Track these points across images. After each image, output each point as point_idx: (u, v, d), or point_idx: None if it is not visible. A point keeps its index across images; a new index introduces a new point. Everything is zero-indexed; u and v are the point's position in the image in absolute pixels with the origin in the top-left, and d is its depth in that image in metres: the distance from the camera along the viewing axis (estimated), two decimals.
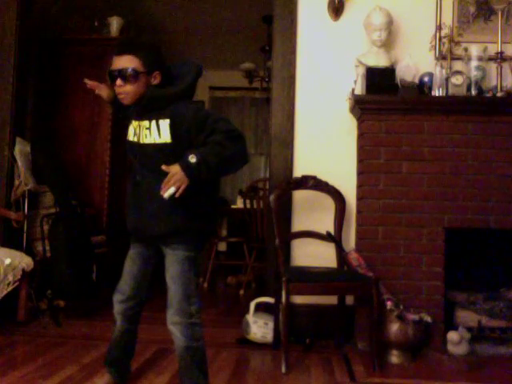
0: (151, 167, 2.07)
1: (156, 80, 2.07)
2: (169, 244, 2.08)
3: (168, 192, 1.88)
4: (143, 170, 2.11)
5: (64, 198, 3.77)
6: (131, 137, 2.15)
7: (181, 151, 1.97)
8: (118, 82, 2.02)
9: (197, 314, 2.04)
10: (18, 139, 3.67)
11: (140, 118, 2.09)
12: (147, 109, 2.06)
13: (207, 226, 2.14)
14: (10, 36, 3.61)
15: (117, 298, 2.23)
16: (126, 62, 2.02)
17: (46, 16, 4.58)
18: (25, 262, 3.27)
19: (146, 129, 2.06)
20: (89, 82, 2.38)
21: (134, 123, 2.13)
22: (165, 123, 2.03)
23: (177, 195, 1.88)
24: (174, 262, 2.06)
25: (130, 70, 2.01)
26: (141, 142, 2.09)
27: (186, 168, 1.87)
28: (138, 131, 2.11)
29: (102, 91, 2.41)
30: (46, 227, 3.63)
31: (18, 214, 3.57)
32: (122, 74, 2.01)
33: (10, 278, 3.15)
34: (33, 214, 3.72)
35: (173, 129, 2.02)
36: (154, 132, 2.04)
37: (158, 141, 2.03)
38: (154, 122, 2.05)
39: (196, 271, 2.08)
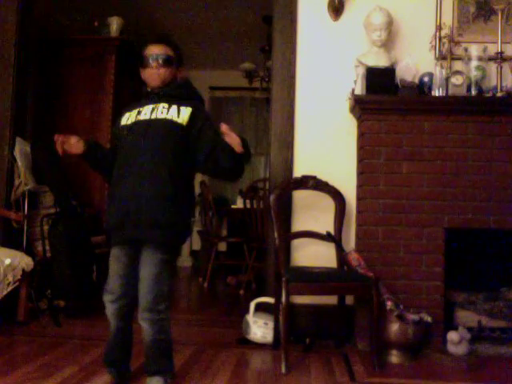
0: (159, 139, 2.19)
1: (181, 74, 2.35)
2: (150, 241, 2.16)
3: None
4: (146, 148, 2.18)
5: (64, 198, 3.78)
6: (129, 120, 2.27)
7: (187, 135, 2.21)
8: (155, 64, 2.26)
9: (165, 310, 2.18)
10: (17, 139, 3.66)
11: (157, 101, 2.27)
12: (175, 93, 2.28)
13: (190, 221, 2.30)
14: (10, 36, 3.61)
15: (107, 298, 2.25)
16: (163, 50, 2.29)
17: (46, 16, 4.58)
18: (25, 261, 3.27)
19: (164, 108, 2.24)
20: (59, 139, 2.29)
21: (142, 107, 2.27)
22: (187, 110, 2.24)
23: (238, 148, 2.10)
24: (150, 264, 2.16)
25: (167, 55, 2.29)
26: (152, 117, 2.23)
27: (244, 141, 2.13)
28: (146, 111, 2.25)
29: (78, 145, 2.31)
30: (46, 227, 3.63)
31: (18, 214, 3.57)
32: (160, 57, 2.26)
33: (10, 278, 3.15)
34: (33, 214, 3.72)
35: (192, 117, 2.23)
36: (174, 111, 2.23)
37: (175, 119, 2.22)
38: (175, 106, 2.25)
39: (170, 273, 2.23)
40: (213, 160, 2.18)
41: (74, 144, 2.28)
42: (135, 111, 2.29)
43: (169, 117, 2.21)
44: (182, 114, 2.22)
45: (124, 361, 2.35)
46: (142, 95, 2.38)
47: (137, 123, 2.24)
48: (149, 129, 2.20)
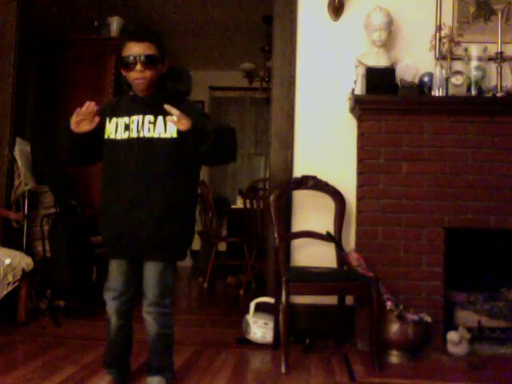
0: (149, 163, 2.10)
1: (164, 69, 2.16)
2: (150, 259, 2.17)
3: (172, 117, 1.99)
4: (137, 172, 2.10)
5: (64, 198, 3.77)
6: (118, 132, 2.14)
7: (183, 146, 2.09)
8: (139, 67, 2.06)
9: (170, 305, 2.21)
10: (17, 139, 3.67)
11: (143, 111, 2.13)
12: (162, 101, 2.07)
13: (191, 233, 2.29)
14: (10, 36, 3.62)
15: (109, 295, 2.25)
16: (146, 49, 2.07)
17: (46, 16, 4.58)
18: (25, 262, 3.27)
19: (150, 123, 2.11)
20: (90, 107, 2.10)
21: (129, 118, 2.14)
22: (172, 119, 2.08)
23: (175, 121, 1.99)
24: (154, 263, 2.17)
25: (151, 56, 2.08)
26: (141, 136, 2.11)
27: (195, 121, 2.02)
28: (133, 126, 2.12)
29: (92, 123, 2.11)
30: (46, 227, 3.63)
31: (18, 214, 3.57)
32: (143, 59, 2.06)
33: (10, 278, 3.15)
34: (33, 214, 3.72)
35: None
36: (160, 127, 2.11)
37: (163, 135, 2.11)
38: (160, 118, 2.11)
39: (173, 270, 2.25)
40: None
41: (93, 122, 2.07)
42: (122, 122, 2.15)
43: (156, 135, 2.10)
44: (168, 127, 2.10)
45: (124, 360, 2.34)
46: (125, 94, 2.23)
47: (126, 142, 2.13)
48: (138, 151, 2.10)
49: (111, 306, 2.24)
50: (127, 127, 2.14)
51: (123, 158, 2.13)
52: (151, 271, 2.18)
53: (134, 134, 2.12)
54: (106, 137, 2.18)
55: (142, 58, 2.06)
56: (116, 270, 2.24)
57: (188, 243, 2.29)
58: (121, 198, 2.13)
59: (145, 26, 2.25)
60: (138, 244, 2.14)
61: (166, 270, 2.19)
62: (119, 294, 2.23)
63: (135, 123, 2.13)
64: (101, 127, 2.16)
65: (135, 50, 2.07)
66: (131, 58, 2.07)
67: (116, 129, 2.16)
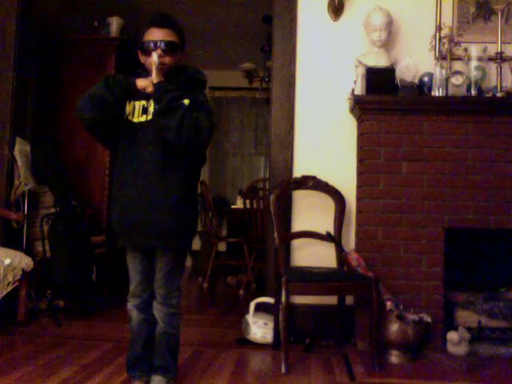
0: (166, 146, 2.07)
1: (182, 60, 2.18)
2: (161, 247, 2.16)
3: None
4: (154, 154, 2.09)
5: (64, 198, 3.78)
6: (136, 115, 2.14)
7: None
8: (159, 52, 2.07)
9: (177, 305, 2.22)
10: (17, 139, 3.66)
11: (160, 96, 2.10)
12: (177, 87, 2.08)
13: (196, 223, 2.28)
14: (10, 36, 3.62)
15: (129, 295, 2.25)
16: (167, 35, 2.09)
17: (46, 16, 4.58)
18: (25, 262, 3.28)
19: None
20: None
21: (147, 102, 2.14)
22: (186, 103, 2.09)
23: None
24: (162, 262, 2.18)
25: (172, 42, 2.10)
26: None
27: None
28: (150, 110, 2.12)
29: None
30: (45, 227, 3.63)
31: (18, 214, 3.57)
32: (164, 45, 2.08)
33: (10, 278, 3.15)
34: (33, 214, 3.72)
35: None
36: None
37: None
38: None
39: (181, 269, 2.26)
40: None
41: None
42: (140, 105, 2.15)
43: None
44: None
45: (148, 358, 2.25)
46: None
47: (144, 124, 2.13)
48: (155, 132, 2.09)
49: (132, 302, 2.25)
50: (145, 110, 2.14)
51: (141, 140, 2.12)
52: (160, 271, 2.18)
53: (151, 117, 2.12)
54: (124, 116, 2.17)
55: (163, 43, 2.08)
56: (132, 270, 2.24)
57: (194, 232, 2.24)
58: (136, 179, 2.10)
59: (167, 14, 2.24)
60: (151, 229, 2.10)
61: (175, 270, 2.20)
62: (138, 294, 2.23)
63: (153, 106, 2.12)
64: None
65: (156, 35, 2.09)
66: (151, 43, 2.08)
67: (133, 111, 2.16)
